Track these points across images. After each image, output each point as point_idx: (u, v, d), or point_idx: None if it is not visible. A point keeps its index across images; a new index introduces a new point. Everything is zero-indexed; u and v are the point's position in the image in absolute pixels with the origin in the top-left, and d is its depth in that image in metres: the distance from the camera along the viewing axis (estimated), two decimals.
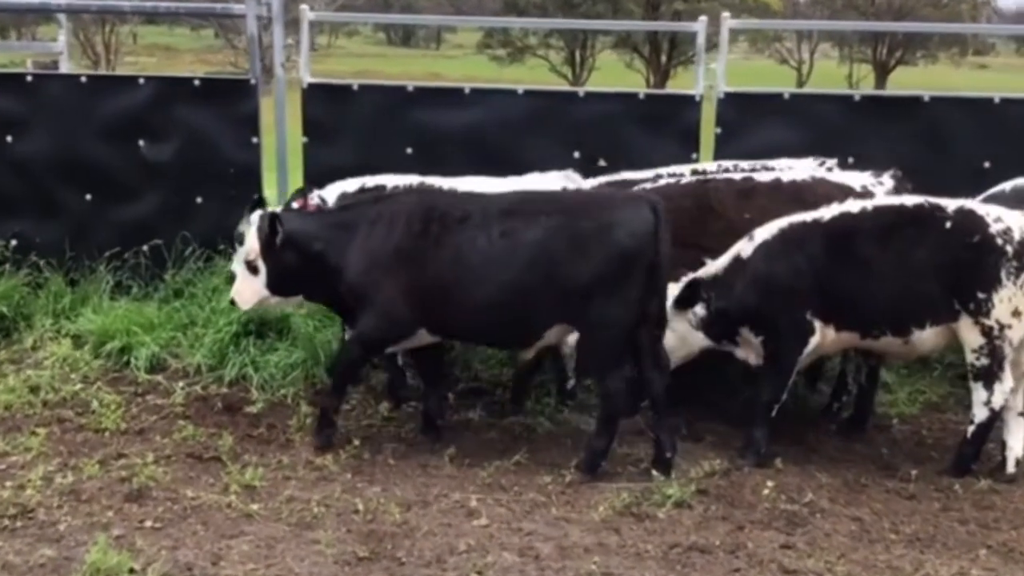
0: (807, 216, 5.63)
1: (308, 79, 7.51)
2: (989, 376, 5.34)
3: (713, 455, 5.64)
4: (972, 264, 5.31)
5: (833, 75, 46.85)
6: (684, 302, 5.72)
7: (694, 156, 7.36)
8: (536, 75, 41.56)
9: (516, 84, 8.14)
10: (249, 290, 5.86)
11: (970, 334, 5.36)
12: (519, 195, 5.89)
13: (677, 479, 5.34)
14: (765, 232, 5.66)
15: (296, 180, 7.39)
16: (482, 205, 5.59)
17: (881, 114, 7.53)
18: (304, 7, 7.56)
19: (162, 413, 6.13)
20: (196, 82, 7.67)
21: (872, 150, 7.01)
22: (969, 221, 5.36)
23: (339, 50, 61.09)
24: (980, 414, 5.42)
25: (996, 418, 5.43)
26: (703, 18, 7.75)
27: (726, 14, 7.72)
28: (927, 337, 5.50)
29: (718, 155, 7.32)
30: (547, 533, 4.84)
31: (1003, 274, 5.27)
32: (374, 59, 56.32)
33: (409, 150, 7.34)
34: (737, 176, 6.35)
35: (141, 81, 7.62)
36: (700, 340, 5.83)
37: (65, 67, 11.77)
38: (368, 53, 61.78)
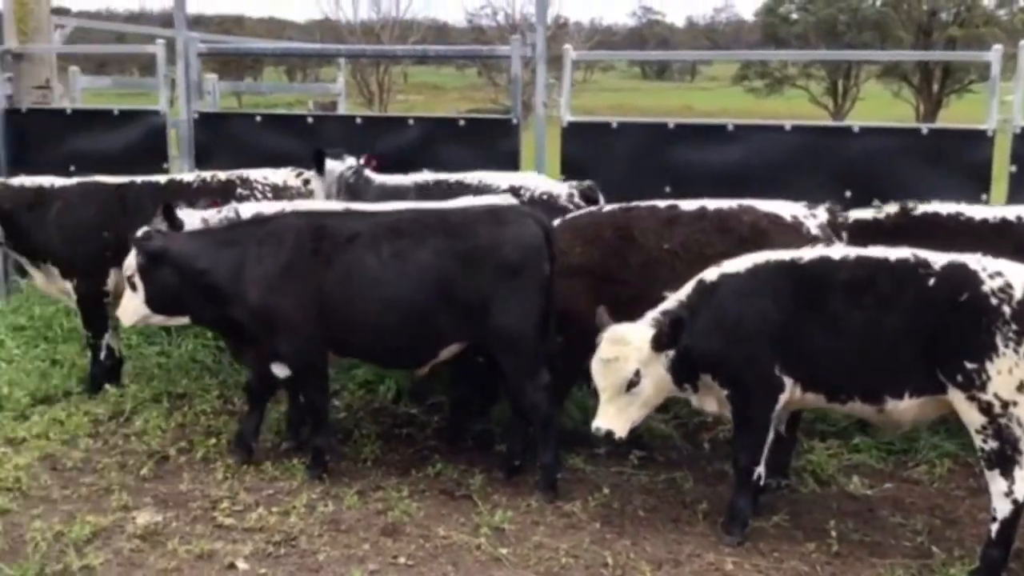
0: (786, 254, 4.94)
1: (568, 117, 7.50)
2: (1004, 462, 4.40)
3: None
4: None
5: None
6: (665, 342, 4.89)
7: (984, 197, 6.70)
8: (795, 106, 40.26)
9: (780, 118, 7.80)
10: (131, 307, 5.87)
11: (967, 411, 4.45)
12: (406, 214, 5.78)
13: (960, 558, 4.76)
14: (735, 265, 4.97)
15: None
16: (371, 224, 5.57)
17: None
18: (568, 47, 7.60)
19: (416, 447, 6.23)
20: (461, 122, 7.90)
21: None
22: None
23: (593, 85, 61.97)
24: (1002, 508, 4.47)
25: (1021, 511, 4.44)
26: (998, 47, 7.05)
27: None
28: (905, 408, 4.69)
29: (1013, 196, 6.62)
30: None
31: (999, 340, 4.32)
32: (628, 93, 56.67)
33: (667, 188, 7.13)
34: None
35: (411, 122, 7.94)
36: (670, 384, 5.04)
37: (343, 107, 12.63)
38: (623, 87, 62.27)
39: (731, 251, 5.16)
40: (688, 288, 5.03)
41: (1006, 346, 4.33)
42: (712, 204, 5.87)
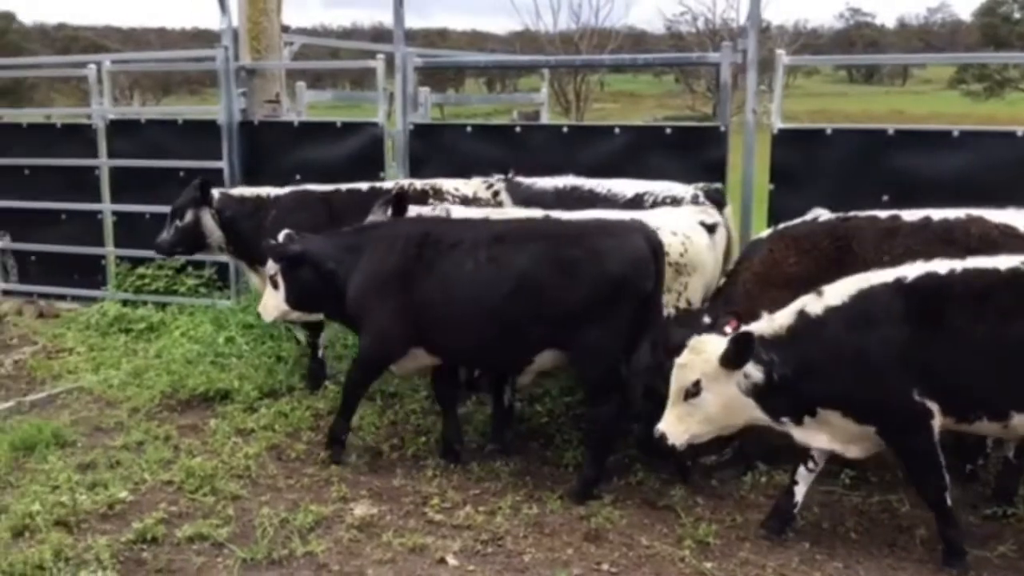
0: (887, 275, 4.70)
1: (779, 124, 7.32)
2: None
3: None
4: None
5: None
6: (733, 360, 4.71)
7: None
8: (1017, 111, 37.62)
9: (999, 123, 7.34)
10: (272, 303, 6.31)
11: None
12: (511, 222, 5.95)
13: None
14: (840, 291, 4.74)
15: (760, 226, 7.23)
16: (474, 231, 5.74)
17: None
18: (780, 52, 7.42)
19: (618, 454, 6.22)
20: (667, 130, 7.83)
21: None
22: None
23: (796, 90, 60.09)
24: None
25: None
26: None
27: None
28: None
29: None
30: None
31: None
32: (833, 98, 54.65)
33: (885, 197, 6.84)
34: None
35: (617, 131, 7.96)
36: (751, 410, 4.83)
37: (545, 117, 12.82)
38: (826, 92, 60.06)
39: None
40: (788, 317, 4.84)
41: None
42: (937, 214, 5.60)
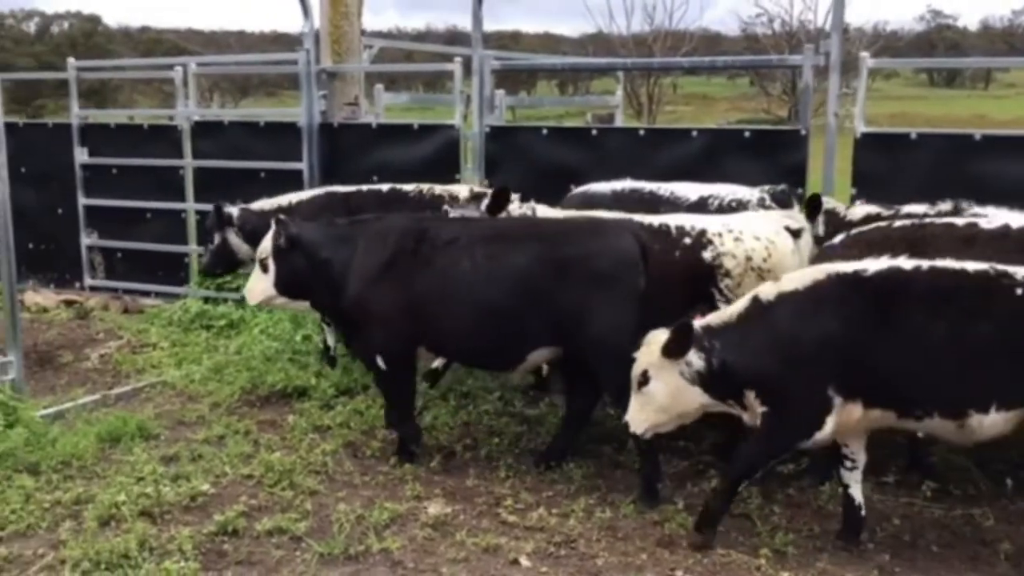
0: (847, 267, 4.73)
1: (862, 128, 7.20)
2: None
3: None
4: None
5: None
6: (672, 349, 4.83)
7: None
8: None
9: None
10: (259, 287, 6.30)
11: None
12: (502, 221, 6.10)
13: None
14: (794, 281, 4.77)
15: None
16: (469, 229, 5.80)
17: None
18: (864, 54, 7.31)
19: (692, 459, 6.20)
20: (746, 134, 7.77)
21: None
22: None
23: (875, 93, 58.84)
24: None
25: None
26: None
27: None
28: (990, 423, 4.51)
29: None
30: None
31: None
32: (912, 101, 53.30)
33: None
34: None
35: (694, 134, 7.90)
36: (698, 397, 4.93)
37: (619, 120, 12.78)
38: (906, 95, 58.70)
39: None
40: (743, 303, 4.95)
41: None
42: (1017, 222, 5.45)
